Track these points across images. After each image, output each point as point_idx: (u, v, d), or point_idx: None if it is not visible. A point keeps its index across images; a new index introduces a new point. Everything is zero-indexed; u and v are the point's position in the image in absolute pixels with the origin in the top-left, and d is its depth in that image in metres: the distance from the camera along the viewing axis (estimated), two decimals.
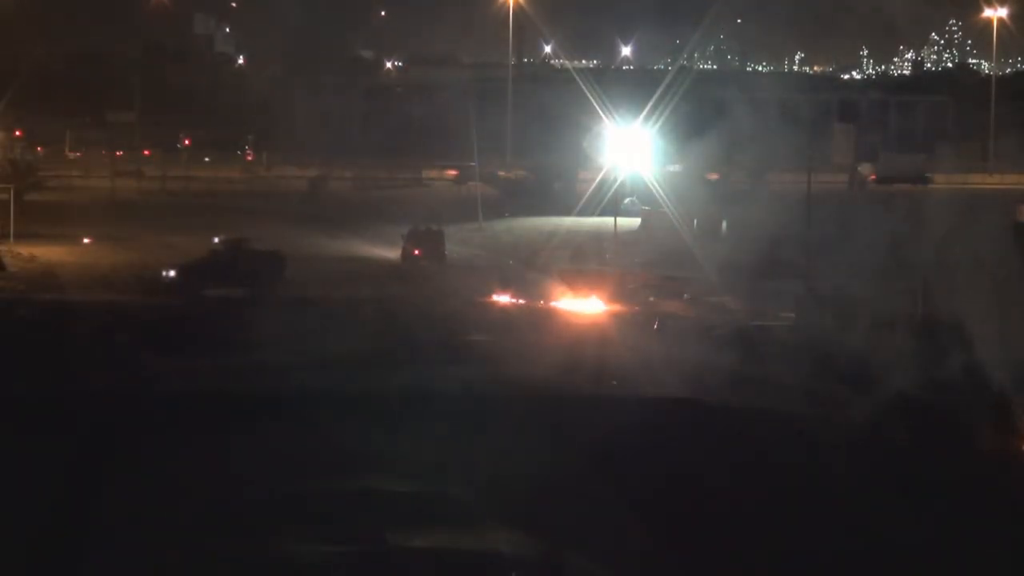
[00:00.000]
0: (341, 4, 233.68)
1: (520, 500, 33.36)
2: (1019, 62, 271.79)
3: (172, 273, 66.27)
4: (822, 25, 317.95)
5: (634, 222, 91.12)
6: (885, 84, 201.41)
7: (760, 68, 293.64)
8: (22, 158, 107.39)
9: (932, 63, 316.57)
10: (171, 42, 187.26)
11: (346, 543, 30.23)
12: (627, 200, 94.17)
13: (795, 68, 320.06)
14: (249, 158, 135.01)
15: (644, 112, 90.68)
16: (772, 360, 50.98)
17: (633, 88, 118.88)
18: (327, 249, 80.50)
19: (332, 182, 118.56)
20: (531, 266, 73.97)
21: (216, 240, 70.77)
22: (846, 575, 30.18)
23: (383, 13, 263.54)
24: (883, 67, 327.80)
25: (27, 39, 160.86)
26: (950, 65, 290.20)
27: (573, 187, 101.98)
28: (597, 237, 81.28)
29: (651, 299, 62.07)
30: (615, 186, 76.75)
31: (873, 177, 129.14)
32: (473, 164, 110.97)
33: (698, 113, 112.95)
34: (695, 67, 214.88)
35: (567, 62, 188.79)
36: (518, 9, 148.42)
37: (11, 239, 77.76)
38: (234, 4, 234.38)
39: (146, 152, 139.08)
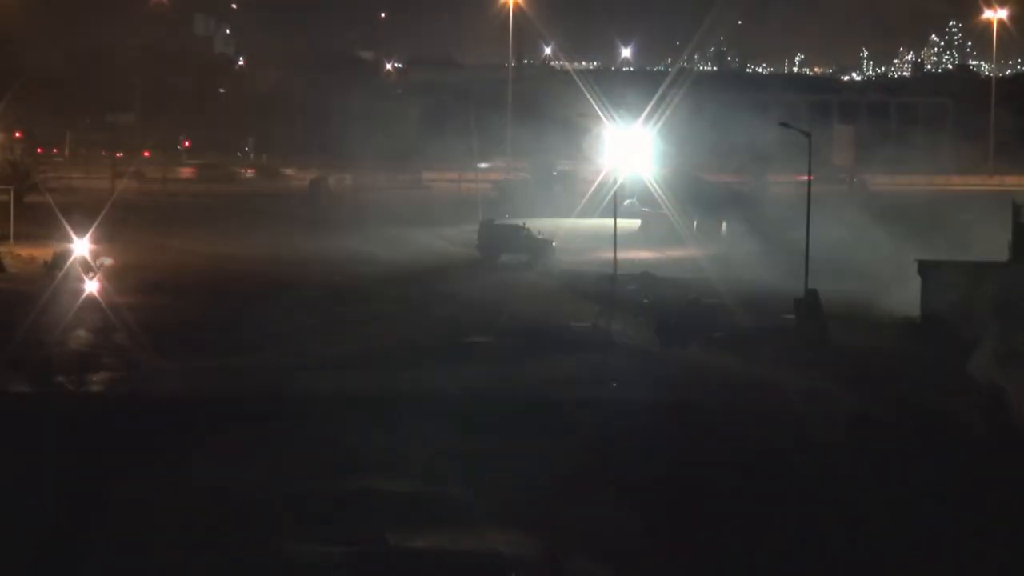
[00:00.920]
0: (341, 6, 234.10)
1: (520, 500, 33.42)
2: (1019, 63, 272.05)
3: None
4: (822, 26, 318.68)
5: (634, 223, 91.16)
6: (885, 85, 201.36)
7: (760, 69, 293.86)
8: (22, 160, 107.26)
9: (932, 64, 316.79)
10: (171, 44, 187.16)
11: (346, 543, 30.25)
12: (627, 201, 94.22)
13: (795, 69, 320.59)
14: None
15: (644, 113, 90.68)
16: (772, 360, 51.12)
17: (633, 89, 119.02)
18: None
19: (332, 183, 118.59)
20: None
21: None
22: (845, 574, 30.21)
23: (383, 15, 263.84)
24: (883, 68, 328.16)
25: (27, 40, 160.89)
26: (950, 66, 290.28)
27: (573, 188, 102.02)
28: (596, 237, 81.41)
29: None
30: (615, 187, 76.72)
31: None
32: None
33: (698, 114, 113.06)
34: (695, 68, 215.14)
35: (567, 63, 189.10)
36: (518, 11, 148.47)
37: (11, 240, 77.78)
38: (234, 6, 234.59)
39: (146, 153, 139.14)
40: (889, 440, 39.96)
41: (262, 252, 79.46)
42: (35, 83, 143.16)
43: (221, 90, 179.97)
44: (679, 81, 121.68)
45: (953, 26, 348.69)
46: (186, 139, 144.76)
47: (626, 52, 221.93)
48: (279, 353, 50.72)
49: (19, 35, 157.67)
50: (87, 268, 63.67)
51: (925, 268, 57.23)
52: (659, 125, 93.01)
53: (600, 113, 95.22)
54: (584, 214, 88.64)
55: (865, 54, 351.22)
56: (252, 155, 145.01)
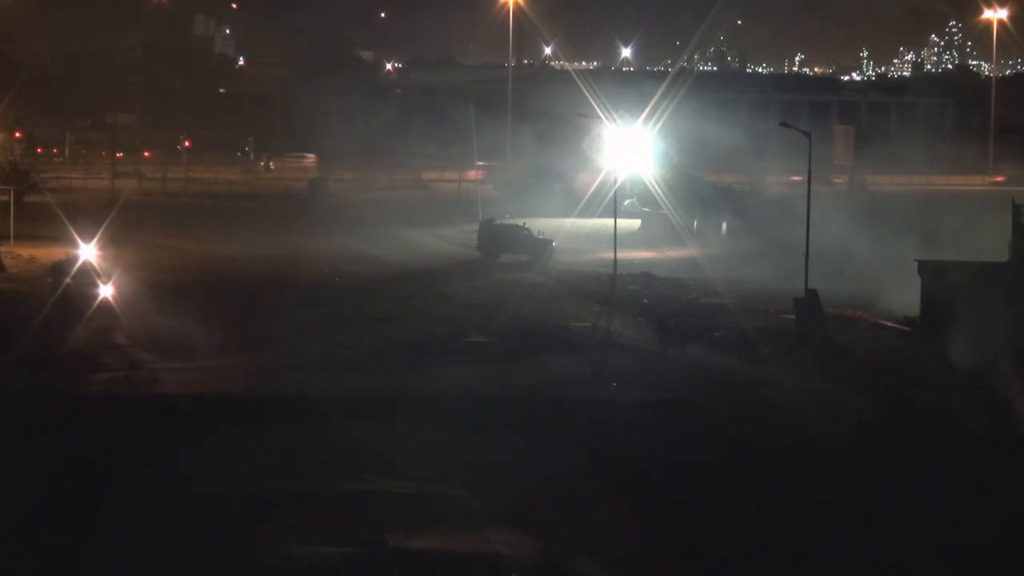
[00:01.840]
0: (341, 6, 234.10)
1: (520, 500, 33.42)
2: (1019, 63, 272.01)
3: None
4: (822, 26, 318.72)
5: (634, 223, 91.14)
6: (885, 85, 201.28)
7: (760, 69, 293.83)
8: (22, 160, 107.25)
9: (932, 64, 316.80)
10: (171, 44, 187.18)
11: (346, 543, 30.25)
12: (627, 202, 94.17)
13: (795, 69, 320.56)
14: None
15: (644, 113, 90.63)
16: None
17: (633, 89, 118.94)
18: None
19: (332, 183, 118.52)
20: None
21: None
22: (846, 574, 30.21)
23: (383, 15, 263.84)
24: (883, 68, 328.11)
25: (28, 41, 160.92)
26: (950, 66, 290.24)
27: (573, 188, 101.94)
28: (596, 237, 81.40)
29: None
30: (615, 187, 76.72)
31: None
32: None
33: (698, 114, 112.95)
34: (695, 68, 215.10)
35: (567, 64, 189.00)
36: (518, 11, 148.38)
37: (11, 240, 77.72)
38: (234, 5, 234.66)
39: (146, 153, 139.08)
40: (889, 440, 39.96)
41: (261, 252, 79.40)
42: (35, 83, 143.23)
43: (221, 90, 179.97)
44: (679, 81, 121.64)
45: (953, 26, 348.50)
46: (186, 139, 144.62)
47: (626, 52, 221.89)
48: (279, 353, 50.70)
49: (19, 35, 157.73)
50: (97, 273, 61.74)
51: (925, 268, 57.23)
52: (659, 125, 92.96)
53: (600, 113, 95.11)
54: (584, 214, 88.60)
55: (865, 54, 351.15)
56: (252, 155, 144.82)
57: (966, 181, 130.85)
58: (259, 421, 40.55)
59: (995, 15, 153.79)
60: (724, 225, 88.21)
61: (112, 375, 47.35)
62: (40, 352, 49.56)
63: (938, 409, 43.48)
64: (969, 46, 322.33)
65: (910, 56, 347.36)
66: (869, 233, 76.28)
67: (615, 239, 68.73)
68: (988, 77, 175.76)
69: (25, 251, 75.88)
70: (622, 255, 70.53)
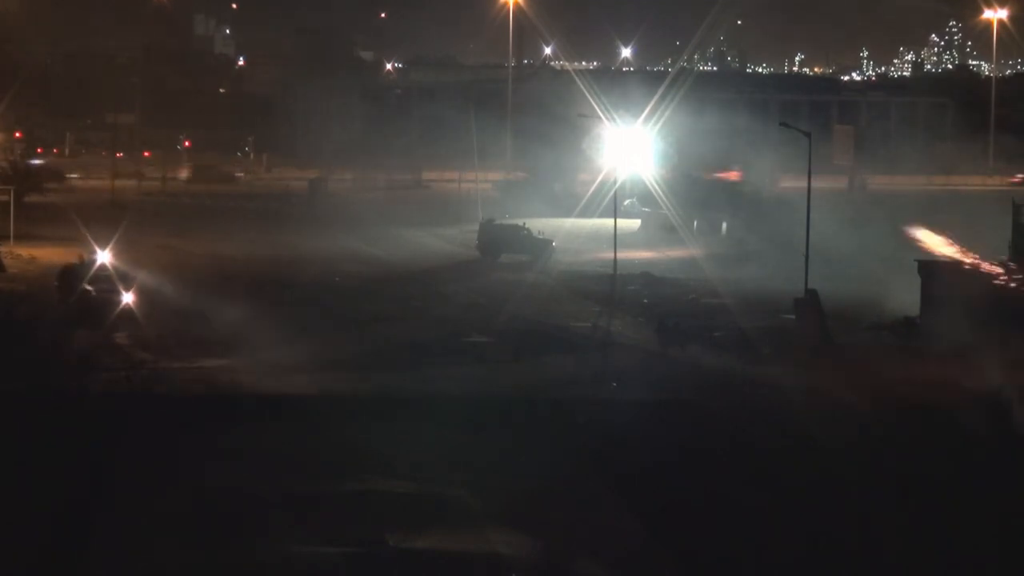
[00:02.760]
0: (341, 6, 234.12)
1: (520, 500, 33.41)
2: (1019, 63, 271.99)
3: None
4: (822, 26, 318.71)
5: (634, 223, 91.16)
6: (885, 85, 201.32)
7: (760, 69, 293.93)
8: (22, 160, 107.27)
9: (932, 64, 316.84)
10: (171, 44, 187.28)
11: (346, 543, 30.25)
12: (627, 202, 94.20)
13: (795, 69, 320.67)
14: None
15: (644, 113, 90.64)
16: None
17: (633, 89, 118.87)
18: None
19: (332, 183, 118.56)
20: None
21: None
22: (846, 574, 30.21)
23: (383, 15, 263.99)
24: (883, 68, 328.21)
25: (28, 41, 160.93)
26: (950, 66, 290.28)
27: (573, 188, 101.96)
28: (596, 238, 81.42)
29: None
30: (615, 187, 76.75)
31: None
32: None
33: (698, 114, 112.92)
34: (695, 68, 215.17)
35: (567, 64, 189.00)
36: (518, 11, 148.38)
37: (11, 240, 77.70)
38: (234, 6, 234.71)
39: (146, 153, 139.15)
40: (889, 440, 39.97)
41: (261, 252, 79.42)
42: (35, 83, 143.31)
43: (221, 90, 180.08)
44: (679, 81, 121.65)
45: (953, 26, 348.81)
46: (186, 139, 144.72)
47: (626, 52, 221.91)
48: (279, 353, 50.67)
49: (19, 35, 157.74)
50: (117, 279, 59.28)
51: (925, 268, 57.24)
52: (659, 125, 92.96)
53: (600, 113, 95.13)
54: (584, 214, 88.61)
55: (865, 54, 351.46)
56: (252, 155, 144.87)
57: (966, 181, 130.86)
58: (259, 421, 40.54)
59: (995, 15, 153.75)
60: (724, 225, 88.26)
61: (111, 375, 47.35)
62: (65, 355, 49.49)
63: (938, 409, 43.46)
64: (969, 46, 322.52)
65: (910, 56, 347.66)
66: (869, 233, 76.37)
67: (615, 239, 68.73)
68: (988, 77, 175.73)
69: (25, 251, 75.88)
70: (622, 255, 70.51)
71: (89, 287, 58.53)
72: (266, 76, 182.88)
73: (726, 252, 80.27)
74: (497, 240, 79.86)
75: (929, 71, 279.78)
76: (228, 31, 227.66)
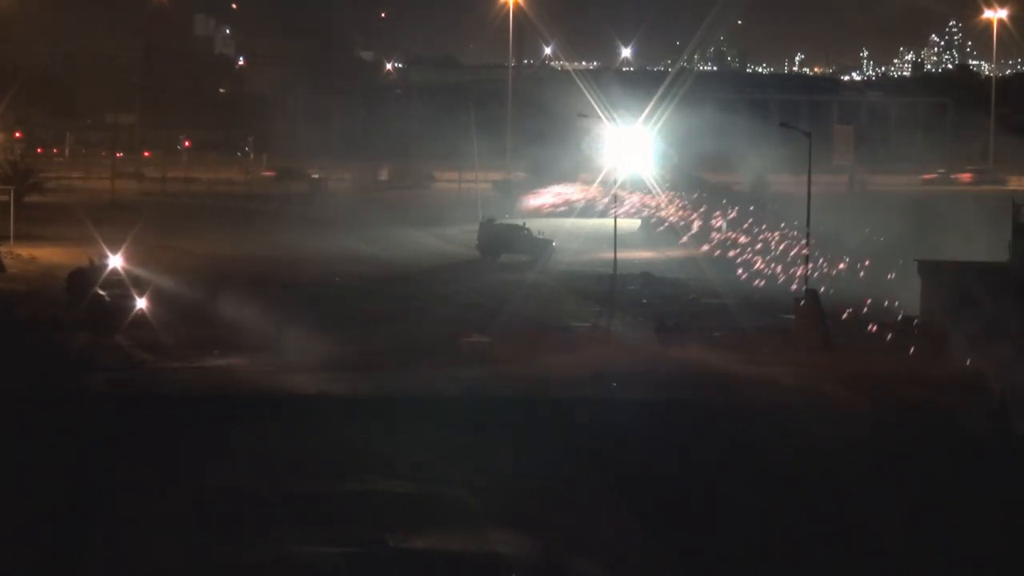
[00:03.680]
0: (341, 6, 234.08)
1: (520, 500, 33.41)
2: (1019, 63, 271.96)
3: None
4: (822, 26, 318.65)
5: (634, 223, 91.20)
6: (885, 85, 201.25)
7: (760, 69, 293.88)
8: (22, 160, 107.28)
9: (932, 64, 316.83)
10: (171, 43, 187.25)
11: (346, 543, 30.25)
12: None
13: (795, 69, 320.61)
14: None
15: (644, 113, 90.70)
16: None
17: (633, 89, 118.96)
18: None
19: (331, 183, 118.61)
20: None
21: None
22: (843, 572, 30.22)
23: (383, 15, 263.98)
24: (883, 68, 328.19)
25: (28, 41, 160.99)
26: (950, 66, 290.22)
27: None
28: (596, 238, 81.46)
29: None
30: (615, 187, 76.84)
31: None
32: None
33: (698, 114, 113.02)
34: (695, 68, 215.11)
35: (567, 64, 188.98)
36: (518, 11, 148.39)
37: (11, 240, 77.71)
38: (234, 6, 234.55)
39: (146, 153, 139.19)
40: (889, 440, 39.98)
41: (261, 252, 79.45)
42: (35, 83, 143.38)
43: (221, 90, 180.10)
44: (679, 81, 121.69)
45: (953, 26, 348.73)
46: (186, 139, 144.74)
47: (626, 52, 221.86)
48: (279, 353, 50.69)
49: (19, 35, 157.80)
50: (131, 283, 58.50)
51: (925, 268, 57.25)
52: (659, 125, 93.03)
53: (600, 113, 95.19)
54: (584, 214, 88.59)
55: (865, 54, 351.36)
56: (252, 155, 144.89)
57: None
58: (259, 421, 40.53)
59: (995, 15, 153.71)
60: (724, 225, 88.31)
61: (111, 375, 47.36)
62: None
63: (938, 409, 43.47)
64: (969, 46, 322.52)
65: (910, 56, 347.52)
66: (869, 233, 76.41)
67: (615, 239, 68.73)
68: (988, 77, 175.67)
69: (25, 251, 75.89)
70: (622, 255, 70.54)
71: (102, 291, 57.56)
72: (266, 76, 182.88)
73: (726, 252, 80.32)
74: (497, 240, 79.88)
75: (929, 71, 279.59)
76: (228, 31, 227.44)
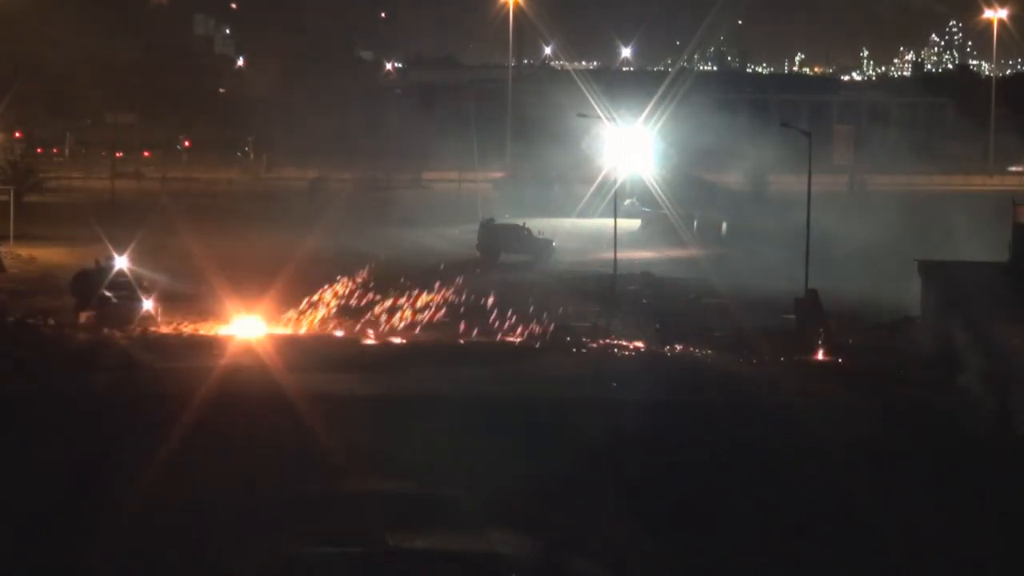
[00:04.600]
0: (341, 6, 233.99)
1: (520, 500, 33.40)
2: (1019, 63, 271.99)
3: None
4: (822, 26, 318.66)
5: (634, 223, 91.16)
6: (885, 85, 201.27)
7: (760, 69, 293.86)
8: (22, 160, 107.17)
9: (932, 64, 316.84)
10: (171, 43, 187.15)
11: (346, 543, 30.24)
12: (627, 202, 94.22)
13: (795, 69, 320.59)
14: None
15: (644, 113, 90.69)
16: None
17: (633, 89, 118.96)
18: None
19: (331, 183, 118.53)
20: None
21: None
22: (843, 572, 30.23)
23: (383, 15, 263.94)
24: (883, 68, 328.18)
25: (28, 41, 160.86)
26: (950, 66, 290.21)
27: (573, 189, 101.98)
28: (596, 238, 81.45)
29: None
30: (615, 188, 76.84)
31: None
32: None
33: (698, 114, 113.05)
34: (695, 68, 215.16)
35: (567, 64, 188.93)
36: (518, 11, 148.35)
37: (11, 240, 77.67)
38: (234, 6, 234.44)
39: (146, 153, 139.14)
40: (889, 440, 39.98)
41: (262, 252, 79.34)
42: (35, 83, 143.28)
43: (221, 90, 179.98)
44: (679, 81, 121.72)
45: (953, 26, 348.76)
46: (186, 139, 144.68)
47: (626, 52, 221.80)
48: (278, 353, 50.67)
49: (19, 35, 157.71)
50: (139, 286, 57.56)
51: (925, 268, 57.25)
52: (659, 125, 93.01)
53: (600, 113, 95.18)
54: (584, 214, 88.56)
55: (865, 54, 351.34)
56: (252, 155, 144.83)
57: (967, 181, 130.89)
58: (259, 421, 40.52)
59: (995, 15, 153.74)
60: (724, 225, 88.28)
61: (112, 375, 47.34)
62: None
63: (938, 409, 43.48)
64: (969, 46, 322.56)
65: (910, 56, 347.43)
66: (868, 233, 76.38)
67: (615, 239, 68.72)
68: (988, 77, 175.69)
69: (25, 251, 75.86)
70: (622, 255, 70.51)
71: (109, 294, 56.97)
72: (266, 76, 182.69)
73: (726, 252, 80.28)
74: (497, 240, 79.86)
75: (929, 71, 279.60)
76: (228, 31, 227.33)
